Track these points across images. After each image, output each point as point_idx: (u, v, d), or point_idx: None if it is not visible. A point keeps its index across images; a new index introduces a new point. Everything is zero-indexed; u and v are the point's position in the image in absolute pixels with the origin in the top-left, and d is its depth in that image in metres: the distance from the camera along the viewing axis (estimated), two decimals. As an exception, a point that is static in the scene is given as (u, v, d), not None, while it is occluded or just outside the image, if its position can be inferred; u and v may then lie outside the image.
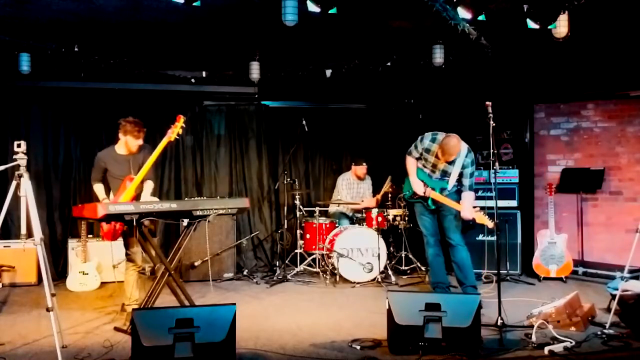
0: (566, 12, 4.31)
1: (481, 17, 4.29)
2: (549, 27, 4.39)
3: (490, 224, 4.83)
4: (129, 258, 4.71)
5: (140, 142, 4.73)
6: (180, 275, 5.85)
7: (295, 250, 6.91)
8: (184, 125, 4.83)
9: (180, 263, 6.18)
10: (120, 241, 4.74)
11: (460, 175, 5.06)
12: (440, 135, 5.02)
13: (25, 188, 3.72)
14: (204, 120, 7.37)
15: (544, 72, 6.39)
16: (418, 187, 5.18)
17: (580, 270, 6.44)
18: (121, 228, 4.44)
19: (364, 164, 7.12)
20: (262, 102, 7.55)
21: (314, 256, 6.75)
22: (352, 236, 6.31)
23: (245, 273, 6.69)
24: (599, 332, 4.15)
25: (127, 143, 4.70)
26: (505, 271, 6.36)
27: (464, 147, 5.01)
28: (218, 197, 7.09)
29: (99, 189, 4.80)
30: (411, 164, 5.27)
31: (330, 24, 4.85)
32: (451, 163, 5.02)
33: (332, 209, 7.18)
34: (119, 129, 4.71)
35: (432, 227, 5.22)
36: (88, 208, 4.08)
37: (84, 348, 3.93)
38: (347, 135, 7.79)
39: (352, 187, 7.16)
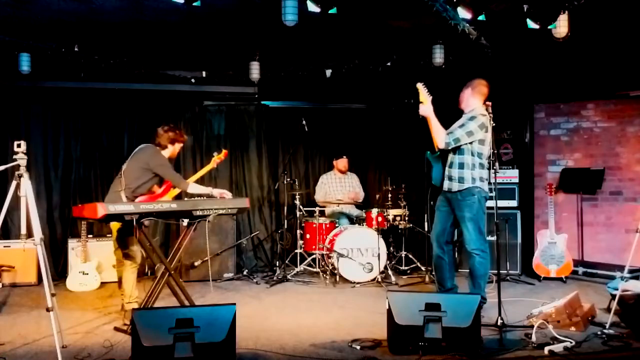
0: (566, 12, 4.31)
1: (481, 17, 4.30)
2: (549, 27, 4.38)
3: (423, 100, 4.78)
4: (129, 257, 4.70)
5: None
6: (180, 275, 5.85)
7: (295, 250, 6.90)
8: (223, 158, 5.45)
9: (180, 263, 6.18)
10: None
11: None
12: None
13: (25, 188, 3.71)
14: (204, 120, 7.38)
15: (544, 72, 6.38)
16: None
17: (580, 270, 6.45)
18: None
19: (345, 157, 7.26)
20: (262, 102, 7.56)
21: (314, 256, 6.75)
22: (352, 236, 6.30)
23: (245, 273, 6.69)
24: (599, 332, 4.15)
25: (175, 150, 4.93)
26: (505, 271, 6.35)
27: (479, 108, 4.75)
28: (218, 197, 7.09)
29: (197, 187, 4.78)
30: None
31: (330, 24, 4.85)
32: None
33: (330, 209, 7.19)
34: (164, 137, 4.83)
35: (438, 226, 4.97)
36: (88, 208, 4.08)
37: (84, 348, 3.93)
38: (347, 135, 7.79)
39: (340, 182, 7.25)
